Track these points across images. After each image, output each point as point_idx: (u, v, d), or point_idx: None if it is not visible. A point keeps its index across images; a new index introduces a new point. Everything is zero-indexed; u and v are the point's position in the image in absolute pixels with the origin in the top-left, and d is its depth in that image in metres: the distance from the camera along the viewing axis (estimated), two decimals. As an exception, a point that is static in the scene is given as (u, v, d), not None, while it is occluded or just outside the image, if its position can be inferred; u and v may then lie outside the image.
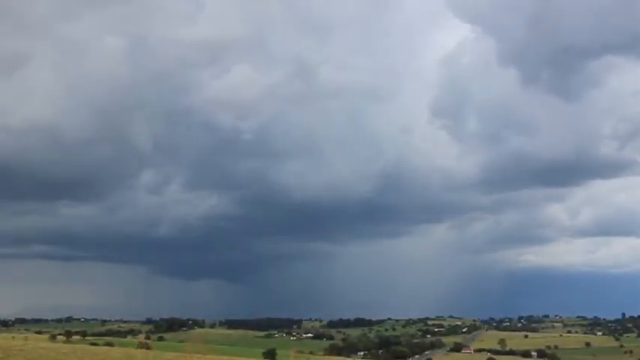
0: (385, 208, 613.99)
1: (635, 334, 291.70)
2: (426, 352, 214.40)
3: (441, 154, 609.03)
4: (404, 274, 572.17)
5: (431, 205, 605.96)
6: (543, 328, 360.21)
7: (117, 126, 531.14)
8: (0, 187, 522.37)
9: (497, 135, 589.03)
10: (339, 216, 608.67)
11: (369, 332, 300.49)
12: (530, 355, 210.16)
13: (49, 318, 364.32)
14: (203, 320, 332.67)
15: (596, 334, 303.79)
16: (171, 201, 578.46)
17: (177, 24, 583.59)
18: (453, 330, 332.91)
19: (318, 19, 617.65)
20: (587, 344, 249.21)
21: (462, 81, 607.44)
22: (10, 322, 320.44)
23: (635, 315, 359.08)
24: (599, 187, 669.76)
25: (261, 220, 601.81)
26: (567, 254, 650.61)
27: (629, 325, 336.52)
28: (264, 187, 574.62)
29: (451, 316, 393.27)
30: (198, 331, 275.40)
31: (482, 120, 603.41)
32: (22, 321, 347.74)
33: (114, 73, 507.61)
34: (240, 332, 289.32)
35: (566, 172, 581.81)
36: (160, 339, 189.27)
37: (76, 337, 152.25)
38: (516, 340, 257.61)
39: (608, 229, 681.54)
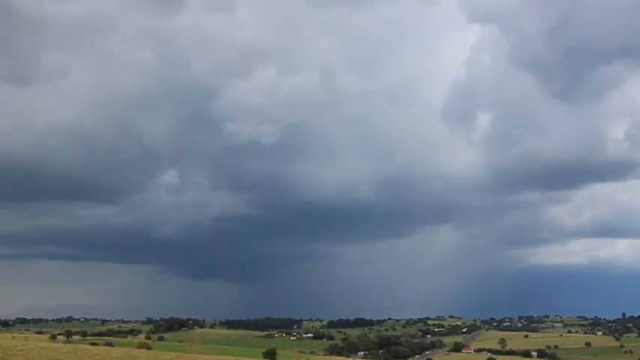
0: (388, 209, 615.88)
1: (635, 334, 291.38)
2: (426, 352, 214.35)
3: (448, 156, 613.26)
4: (405, 274, 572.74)
5: (434, 206, 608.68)
6: (543, 328, 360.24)
7: (138, 130, 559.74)
8: (18, 188, 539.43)
9: (508, 138, 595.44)
10: (344, 217, 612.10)
11: (369, 332, 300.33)
12: (530, 355, 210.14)
13: (49, 318, 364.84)
14: (203, 320, 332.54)
15: (596, 334, 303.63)
16: (181, 203, 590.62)
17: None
18: (453, 330, 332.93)
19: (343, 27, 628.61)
20: (588, 344, 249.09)
21: (476, 86, 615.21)
22: (10, 322, 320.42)
23: (635, 315, 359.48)
24: (600, 189, 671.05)
25: (265, 221, 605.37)
26: (568, 255, 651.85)
27: (629, 325, 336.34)
28: (271, 188, 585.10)
29: (451, 316, 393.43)
30: (198, 331, 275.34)
31: (494, 124, 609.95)
32: (22, 321, 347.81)
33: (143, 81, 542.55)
34: (240, 332, 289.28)
35: (570, 175, 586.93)
36: (160, 339, 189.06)
37: (76, 337, 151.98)
38: (516, 340, 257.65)
39: (608, 229, 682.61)
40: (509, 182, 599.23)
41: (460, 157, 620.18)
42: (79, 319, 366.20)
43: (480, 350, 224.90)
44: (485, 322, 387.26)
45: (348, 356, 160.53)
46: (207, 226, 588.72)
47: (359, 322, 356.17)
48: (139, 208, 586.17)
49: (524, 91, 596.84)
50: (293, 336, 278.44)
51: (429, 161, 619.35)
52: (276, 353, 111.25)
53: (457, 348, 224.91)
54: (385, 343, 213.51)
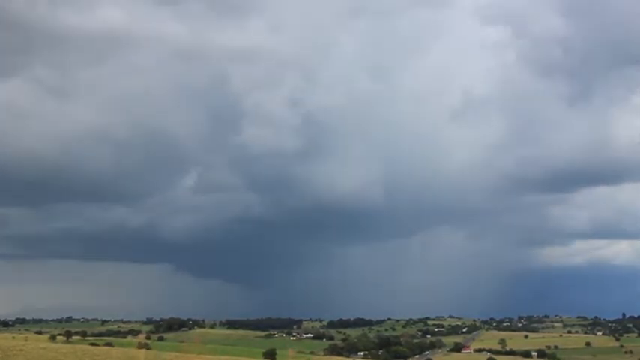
0: (389, 210, 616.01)
1: (635, 334, 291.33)
2: (426, 352, 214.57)
3: (455, 157, 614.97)
4: (405, 274, 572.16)
5: (436, 207, 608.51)
6: (543, 328, 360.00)
7: (157, 134, 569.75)
8: (48, 190, 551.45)
9: (518, 141, 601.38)
10: (345, 218, 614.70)
11: (369, 332, 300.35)
12: (530, 355, 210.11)
13: (49, 318, 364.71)
14: (203, 320, 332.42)
15: (596, 334, 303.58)
16: (191, 205, 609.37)
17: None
18: (453, 330, 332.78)
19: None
20: (587, 344, 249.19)
21: (490, 89, 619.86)
22: (10, 322, 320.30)
23: (635, 315, 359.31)
24: (602, 191, 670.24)
25: (268, 222, 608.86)
26: (568, 255, 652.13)
27: (629, 325, 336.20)
28: (279, 190, 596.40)
29: (451, 316, 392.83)
30: (198, 331, 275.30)
31: (506, 126, 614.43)
32: (22, 321, 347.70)
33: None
34: (240, 332, 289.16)
35: (575, 178, 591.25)
36: (160, 339, 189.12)
37: (75, 337, 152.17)
38: (516, 340, 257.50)
39: (609, 230, 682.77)
40: (513, 184, 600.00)
41: (466, 158, 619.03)
42: (78, 319, 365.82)
43: (479, 350, 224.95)
44: (485, 322, 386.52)
45: (348, 356, 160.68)
46: (212, 227, 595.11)
47: (359, 322, 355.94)
48: (154, 210, 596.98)
49: (539, 94, 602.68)
50: (293, 336, 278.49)
51: (435, 162, 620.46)
52: (275, 353, 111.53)
53: (457, 348, 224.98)
54: (385, 343, 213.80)
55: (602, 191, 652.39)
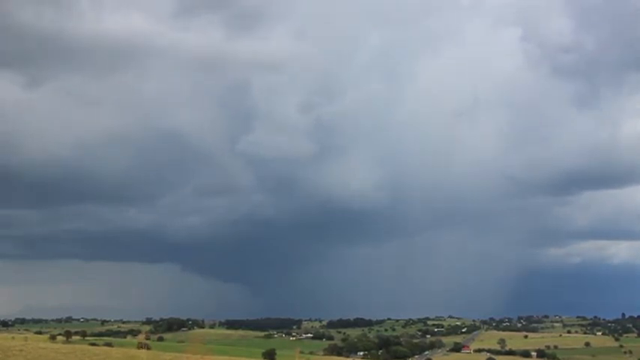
0: (390, 211, 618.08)
1: (634, 334, 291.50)
2: (426, 352, 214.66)
3: (457, 159, 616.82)
4: (404, 275, 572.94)
5: (436, 208, 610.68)
6: (543, 328, 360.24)
7: (170, 137, 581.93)
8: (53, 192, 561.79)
9: (525, 142, 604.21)
10: (345, 219, 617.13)
11: (369, 332, 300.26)
12: (529, 355, 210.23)
13: (49, 318, 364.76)
14: (203, 320, 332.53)
15: (595, 334, 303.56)
16: (195, 207, 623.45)
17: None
18: (453, 330, 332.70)
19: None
20: (587, 344, 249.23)
21: (496, 90, 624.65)
22: (9, 323, 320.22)
23: (635, 315, 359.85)
24: (603, 192, 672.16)
25: (270, 223, 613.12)
26: (568, 255, 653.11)
27: (629, 325, 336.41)
28: (283, 192, 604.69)
29: (451, 316, 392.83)
30: (198, 331, 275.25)
31: (511, 128, 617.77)
32: (21, 321, 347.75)
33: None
34: (240, 332, 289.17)
35: (577, 180, 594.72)
36: (160, 339, 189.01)
37: (75, 338, 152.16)
38: (516, 340, 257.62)
39: (609, 231, 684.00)
40: (515, 186, 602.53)
41: (469, 159, 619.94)
42: (78, 320, 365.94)
43: (479, 350, 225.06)
44: (484, 322, 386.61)
45: (347, 356, 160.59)
46: (215, 228, 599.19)
47: (358, 322, 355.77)
48: (159, 211, 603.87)
49: (547, 96, 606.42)
50: (293, 336, 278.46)
51: (438, 165, 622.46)
52: (275, 353, 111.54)
53: (457, 348, 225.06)
54: (385, 343, 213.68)
55: (603, 193, 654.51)
